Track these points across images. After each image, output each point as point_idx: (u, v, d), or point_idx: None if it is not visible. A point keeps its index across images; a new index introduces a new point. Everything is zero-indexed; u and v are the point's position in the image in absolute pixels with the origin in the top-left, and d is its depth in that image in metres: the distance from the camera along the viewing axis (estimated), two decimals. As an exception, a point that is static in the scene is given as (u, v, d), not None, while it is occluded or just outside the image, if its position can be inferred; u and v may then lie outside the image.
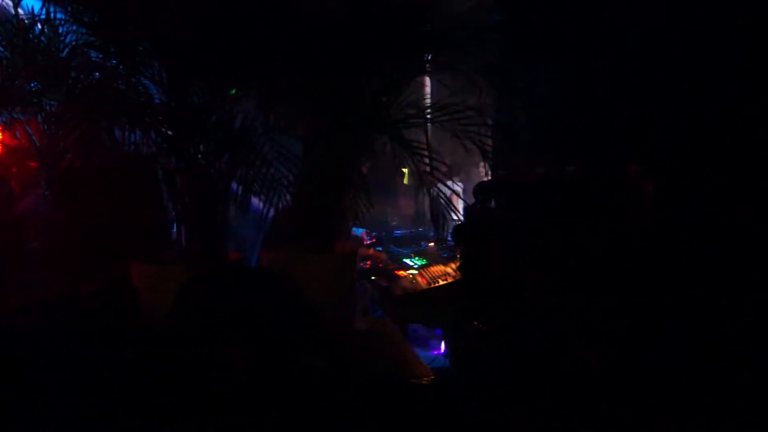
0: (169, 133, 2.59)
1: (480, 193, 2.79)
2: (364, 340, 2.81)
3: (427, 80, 3.48)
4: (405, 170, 4.01)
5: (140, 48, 2.57)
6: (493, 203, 2.80)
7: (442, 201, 2.81)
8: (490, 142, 2.75)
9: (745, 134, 2.29)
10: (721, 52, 2.39)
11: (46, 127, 2.90)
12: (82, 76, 2.73)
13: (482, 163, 3.17)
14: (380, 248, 4.29)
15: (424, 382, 2.39)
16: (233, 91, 2.85)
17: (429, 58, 2.81)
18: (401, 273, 3.81)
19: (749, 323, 2.28)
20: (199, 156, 2.63)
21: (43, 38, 2.87)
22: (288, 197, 2.90)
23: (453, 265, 3.80)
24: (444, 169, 2.76)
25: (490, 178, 3.01)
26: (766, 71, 2.30)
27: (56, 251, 2.97)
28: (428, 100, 3.33)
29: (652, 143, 2.48)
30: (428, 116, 2.73)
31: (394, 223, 5.31)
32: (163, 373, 2.19)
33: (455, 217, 2.85)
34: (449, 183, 5.04)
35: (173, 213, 2.70)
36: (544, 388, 2.53)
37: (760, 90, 2.31)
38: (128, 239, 2.71)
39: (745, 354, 2.28)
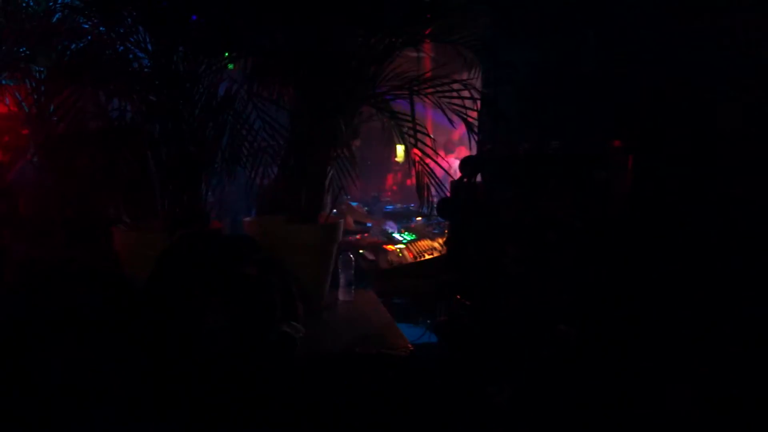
0: (153, 99, 2.58)
1: (466, 167, 2.77)
2: (345, 312, 2.82)
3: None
4: (400, 147, 3.97)
5: (125, 13, 2.55)
6: (478, 177, 2.78)
7: (426, 175, 2.80)
8: (475, 115, 2.73)
9: (727, 114, 2.26)
10: (709, 29, 2.35)
11: (35, 96, 2.89)
12: (67, 42, 2.72)
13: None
14: (369, 224, 4.31)
15: (401, 353, 2.39)
16: (231, 66, 2.84)
17: (417, 28, 2.77)
18: (389, 247, 3.83)
19: (729, 301, 2.27)
20: (184, 124, 2.62)
21: (31, 2, 2.86)
22: (274, 167, 2.90)
23: (440, 240, 3.81)
24: (428, 141, 2.73)
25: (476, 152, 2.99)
26: (749, 51, 2.26)
27: (43, 218, 2.97)
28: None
29: (635, 119, 2.45)
30: (414, 89, 2.70)
31: (387, 199, 5.34)
32: (139, 338, 2.21)
33: (441, 192, 2.84)
34: (451, 159, 5.03)
35: (157, 180, 2.70)
36: (524, 361, 2.54)
37: (745, 70, 2.27)
38: (112, 206, 2.72)
39: (723, 332, 2.27)
